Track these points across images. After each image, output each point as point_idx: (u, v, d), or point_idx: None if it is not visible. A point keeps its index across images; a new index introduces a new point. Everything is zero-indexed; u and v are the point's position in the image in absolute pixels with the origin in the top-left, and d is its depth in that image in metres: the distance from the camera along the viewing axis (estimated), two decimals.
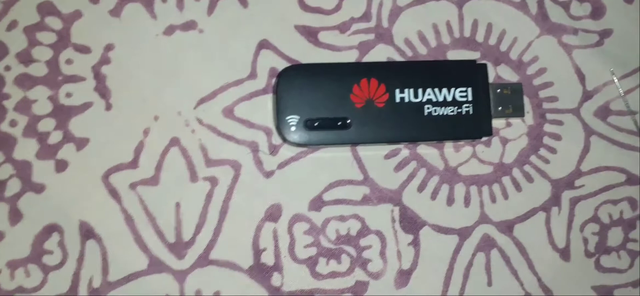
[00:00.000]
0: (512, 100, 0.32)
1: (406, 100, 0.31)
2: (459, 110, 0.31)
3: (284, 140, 0.30)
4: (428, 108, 0.31)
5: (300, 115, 0.30)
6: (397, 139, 0.31)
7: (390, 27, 0.33)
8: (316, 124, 0.30)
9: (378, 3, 0.33)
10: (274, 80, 0.31)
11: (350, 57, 0.32)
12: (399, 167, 0.32)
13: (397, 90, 0.31)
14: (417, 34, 0.33)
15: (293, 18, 0.32)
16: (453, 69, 0.32)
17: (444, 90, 0.31)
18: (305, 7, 0.32)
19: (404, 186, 0.32)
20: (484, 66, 0.32)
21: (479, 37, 0.33)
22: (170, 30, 0.31)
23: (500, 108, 0.32)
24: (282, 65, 0.32)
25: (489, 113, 0.31)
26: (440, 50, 0.33)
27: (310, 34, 0.32)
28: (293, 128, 0.30)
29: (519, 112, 0.32)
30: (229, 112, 0.31)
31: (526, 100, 0.33)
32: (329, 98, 0.30)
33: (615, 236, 0.33)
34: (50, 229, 0.30)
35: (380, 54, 0.32)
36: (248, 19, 0.32)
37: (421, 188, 0.32)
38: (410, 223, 0.32)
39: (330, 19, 0.32)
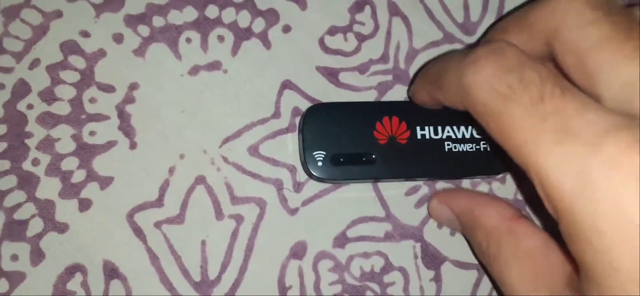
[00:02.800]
0: None
1: (427, 137, 0.31)
2: (477, 146, 0.32)
3: (310, 175, 0.31)
4: (448, 144, 0.32)
5: (326, 151, 0.30)
6: (420, 175, 0.32)
7: (407, 68, 0.34)
8: (342, 160, 0.30)
9: (395, 45, 0.34)
10: (299, 118, 0.32)
11: (370, 96, 0.33)
12: (420, 203, 0.32)
13: (418, 128, 0.31)
14: None
15: (315, 59, 0.33)
16: None
17: (462, 128, 0.32)
18: (327, 49, 0.33)
19: (425, 222, 0.32)
20: None
21: None
22: (194, 70, 0.32)
23: None
24: (304, 104, 0.32)
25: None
26: None
27: (331, 74, 0.33)
28: (320, 164, 0.30)
29: None
30: (254, 150, 0.31)
31: None
32: (353, 135, 0.31)
33: None
34: (74, 269, 0.29)
35: (398, 93, 0.33)
36: (271, 60, 0.33)
37: (441, 224, 0.32)
38: (432, 259, 0.32)
39: (350, 60, 0.33)
